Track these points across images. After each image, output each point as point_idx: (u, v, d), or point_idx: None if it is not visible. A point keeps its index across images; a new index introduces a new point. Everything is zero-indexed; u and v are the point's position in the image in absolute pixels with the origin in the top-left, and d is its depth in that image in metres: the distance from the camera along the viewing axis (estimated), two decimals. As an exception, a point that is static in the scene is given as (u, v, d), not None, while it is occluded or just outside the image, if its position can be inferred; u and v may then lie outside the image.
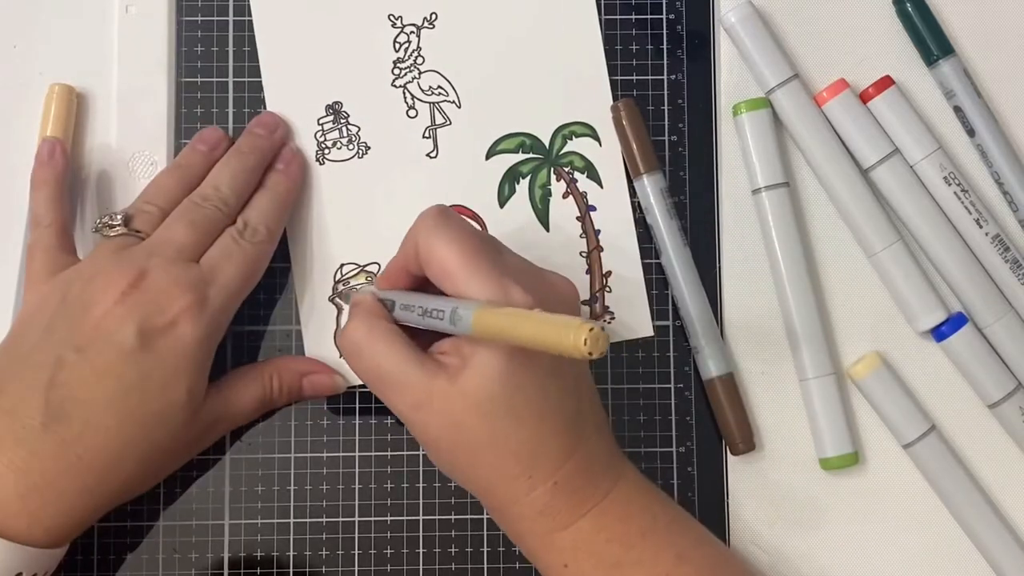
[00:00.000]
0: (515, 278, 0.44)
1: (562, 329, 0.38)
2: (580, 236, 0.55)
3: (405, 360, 0.45)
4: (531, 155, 0.55)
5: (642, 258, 0.54)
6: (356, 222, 0.54)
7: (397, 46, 0.55)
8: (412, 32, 0.55)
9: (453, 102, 0.55)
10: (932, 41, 0.54)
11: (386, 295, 0.48)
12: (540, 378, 0.44)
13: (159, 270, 0.47)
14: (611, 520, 0.46)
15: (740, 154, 0.55)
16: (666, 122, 0.55)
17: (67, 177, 0.52)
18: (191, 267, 0.48)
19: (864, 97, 0.54)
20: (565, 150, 0.55)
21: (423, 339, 0.47)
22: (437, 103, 0.55)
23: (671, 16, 0.56)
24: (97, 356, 0.46)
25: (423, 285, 0.48)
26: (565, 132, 0.55)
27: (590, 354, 0.37)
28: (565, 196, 0.55)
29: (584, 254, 0.54)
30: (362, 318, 0.47)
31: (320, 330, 0.54)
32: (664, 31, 0.56)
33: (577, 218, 0.55)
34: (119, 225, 0.49)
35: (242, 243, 0.50)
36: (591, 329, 0.37)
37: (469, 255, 0.44)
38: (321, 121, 0.54)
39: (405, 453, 0.53)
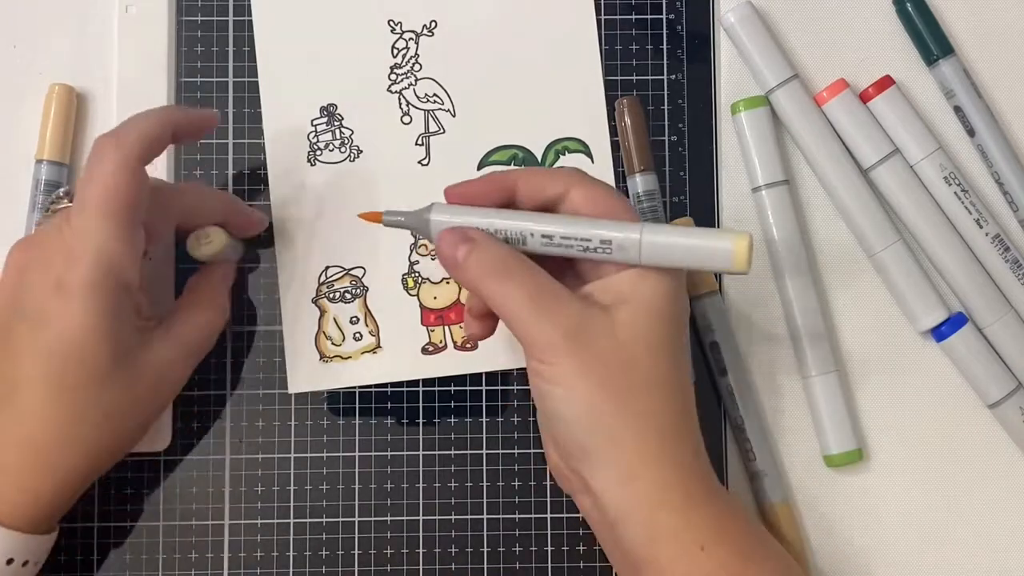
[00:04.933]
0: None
1: (724, 236, 0.41)
2: None
3: (555, 282, 0.43)
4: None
5: (642, 258, 0.54)
6: (344, 225, 0.54)
7: (395, 52, 0.55)
8: (411, 38, 0.55)
9: (448, 111, 0.55)
10: (932, 41, 0.54)
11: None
12: (682, 335, 0.45)
13: (50, 237, 0.45)
14: (739, 509, 0.45)
15: (740, 153, 0.55)
16: (666, 122, 0.55)
17: None
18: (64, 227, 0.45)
19: (864, 97, 0.54)
20: (557, 165, 0.54)
21: None
22: (432, 111, 0.55)
23: (671, 16, 0.56)
24: (26, 333, 0.44)
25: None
26: (558, 147, 0.55)
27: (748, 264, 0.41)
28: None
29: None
30: (492, 240, 0.44)
31: (302, 331, 0.53)
32: (664, 31, 0.56)
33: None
34: (63, 198, 0.48)
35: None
36: (749, 239, 0.41)
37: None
38: (315, 122, 0.54)
39: (405, 453, 0.53)
